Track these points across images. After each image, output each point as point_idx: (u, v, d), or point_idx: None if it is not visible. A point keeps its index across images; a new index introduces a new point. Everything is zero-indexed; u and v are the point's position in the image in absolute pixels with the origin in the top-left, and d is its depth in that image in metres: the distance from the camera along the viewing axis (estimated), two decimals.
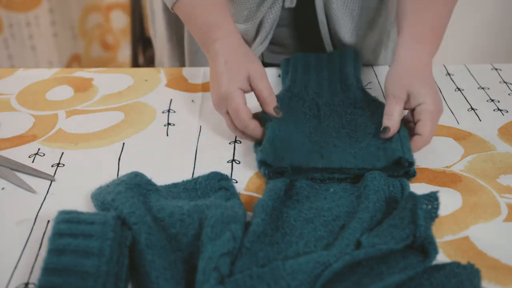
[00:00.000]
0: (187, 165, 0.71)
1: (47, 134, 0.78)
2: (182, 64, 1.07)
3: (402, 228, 0.54)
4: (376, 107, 0.78)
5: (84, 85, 0.92)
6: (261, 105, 0.74)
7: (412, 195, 0.56)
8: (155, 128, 0.80)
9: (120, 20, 2.49)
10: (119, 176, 0.68)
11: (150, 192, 0.61)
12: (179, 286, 0.51)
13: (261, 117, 0.73)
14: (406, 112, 0.75)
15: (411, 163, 0.66)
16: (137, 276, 0.53)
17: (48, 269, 0.49)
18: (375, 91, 0.88)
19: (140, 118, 0.82)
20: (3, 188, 0.67)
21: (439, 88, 0.91)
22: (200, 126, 0.80)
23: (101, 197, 0.59)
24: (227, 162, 0.72)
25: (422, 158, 0.71)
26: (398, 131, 0.70)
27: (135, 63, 2.33)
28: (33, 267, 0.55)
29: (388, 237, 0.54)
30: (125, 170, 0.68)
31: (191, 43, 1.01)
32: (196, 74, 0.96)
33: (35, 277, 0.53)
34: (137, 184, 0.61)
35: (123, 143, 0.76)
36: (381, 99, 0.82)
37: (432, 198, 0.56)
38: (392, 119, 0.71)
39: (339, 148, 0.71)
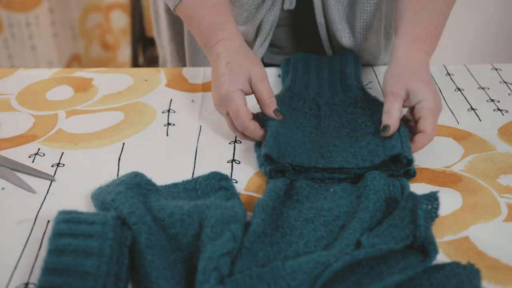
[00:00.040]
0: (187, 165, 0.71)
1: (47, 134, 0.78)
2: (185, 64, 1.07)
3: (402, 228, 0.54)
4: (376, 107, 0.78)
5: (84, 85, 0.92)
6: (261, 107, 0.74)
7: (412, 195, 0.56)
8: (155, 128, 0.80)
9: (120, 20, 2.49)
10: (119, 176, 0.68)
11: (150, 192, 0.61)
12: (179, 286, 0.51)
13: (260, 118, 0.73)
14: (405, 111, 0.75)
15: (410, 161, 0.66)
16: (137, 276, 0.53)
17: (48, 269, 0.49)
18: (375, 91, 0.88)
19: (140, 118, 0.82)
20: (3, 188, 0.67)
21: (439, 88, 0.91)
22: (200, 126, 0.80)
23: (101, 197, 0.59)
24: (227, 162, 0.72)
25: (422, 158, 0.71)
26: (398, 130, 0.70)
27: (135, 63, 2.33)
28: (33, 267, 0.55)
29: (388, 237, 0.54)
30: (125, 170, 0.68)
31: (191, 44, 1.01)
32: (196, 74, 0.96)
33: (35, 277, 0.53)
34: (137, 184, 0.61)
35: (123, 143, 0.76)
36: (381, 99, 0.82)
37: (432, 198, 0.56)
38: (391, 117, 0.71)
39: (339, 148, 0.71)
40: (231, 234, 0.52)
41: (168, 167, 0.71)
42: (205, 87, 0.91)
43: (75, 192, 0.65)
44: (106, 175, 0.68)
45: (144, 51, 2.40)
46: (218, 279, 0.48)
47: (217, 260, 0.49)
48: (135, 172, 0.63)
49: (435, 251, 0.53)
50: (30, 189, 0.66)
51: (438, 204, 0.56)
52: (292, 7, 0.90)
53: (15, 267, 0.55)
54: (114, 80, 0.94)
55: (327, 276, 0.49)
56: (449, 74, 0.96)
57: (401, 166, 0.67)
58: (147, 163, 0.71)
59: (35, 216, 0.62)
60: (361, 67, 0.95)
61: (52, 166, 0.71)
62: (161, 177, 0.66)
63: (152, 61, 2.34)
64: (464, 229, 0.60)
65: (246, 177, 0.69)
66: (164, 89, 0.91)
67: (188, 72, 0.97)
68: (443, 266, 0.52)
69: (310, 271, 0.49)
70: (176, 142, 0.77)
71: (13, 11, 2.18)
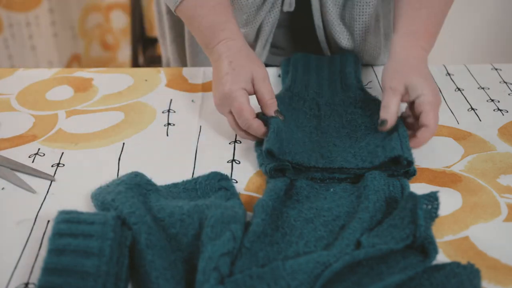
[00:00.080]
0: (187, 165, 0.71)
1: (47, 134, 0.78)
2: (186, 65, 1.07)
3: (402, 228, 0.54)
4: (376, 107, 0.78)
5: (84, 85, 0.92)
6: (262, 107, 0.74)
7: (412, 195, 0.56)
8: (155, 128, 0.80)
9: (120, 20, 2.49)
10: (119, 176, 0.68)
11: (150, 192, 0.61)
12: (179, 286, 0.51)
13: (260, 118, 0.73)
14: (404, 109, 0.76)
15: (410, 162, 0.66)
16: (137, 276, 0.53)
17: (48, 269, 0.49)
18: (375, 91, 0.88)
19: (140, 118, 0.82)
20: (3, 188, 0.67)
21: (439, 89, 0.91)
22: (200, 126, 0.80)
23: (101, 197, 0.59)
24: (227, 162, 0.72)
25: (422, 158, 0.71)
26: (398, 130, 0.70)
27: (135, 63, 2.34)
28: (33, 267, 0.55)
29: (388, 237, 0.54)
30: (125, 170, 0.68)
31: (192, 45, 1.01)
32: (196, 74, 0.96)
33: (35, 277, 0.53)
34: (137, 184, 0.61)
35: (123, 143, 0.76)
36: (381, 98, 0.82)
37: (432, 198, 0.56)
38: (389, 111, 0.71)
39: (339, 148, 0.71)
40: (231, 234, 0.52)
41: (168, 167, 0.71)
42: (205, 87, 0.91)
43: (75, 192, 0.65)
44: (106, 175, 0.68)
45: (144, 51, 2.40)
46: (218, 279, 0.48)
47: (217, 260, 0.49)
48: (135, 172, 0.63)
49: (435, 251, 0.53)
50: (30, 189, 0.66)
51: (438, 204, 0.56)
52: (292, 9, 0.91)
53: (15, 267, 0.55)
54: (114, 80, 0.94)
55: (327, 276, 0.49)
56: (449, 74, 0.96)
57: (401, 167, 0.67)
58: (147, 163, 0.71)
59: (35, 216, 0.62)
60: (361, 67, 0.95)
61: (52, 166, 0.71)
62: (161, 177, 0.66)
63: (152, 61, 2.35)
64: (464, 229, 0.60)
65: (246, 177, 0.69)
66: (164, 89, 0.91)
67: (188, 72, 0.97)
68: (443, 266, 0.52)
69: (310, 271, 0.49)
70: (176, 142, 0.77)
71: (13, 11, 2.18)
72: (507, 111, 0.84)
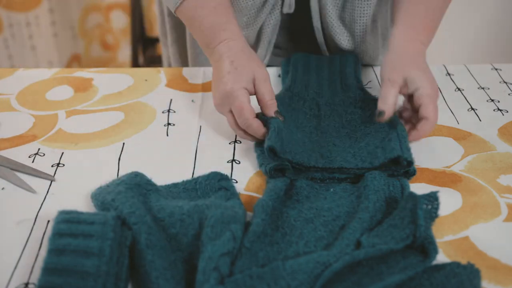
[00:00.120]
0: (187, 165, 0.71)
1: (47, 134, 0.78)
2: (187, 66, 1.07)
3: (402, 228, 0.54)
4: (376, 107, 0.78)
5: (84, 85, 0.92)
6: (262, 108, 0.74)
7: (412, 195, 0.56)
8: (155, 128, 0.80)
9: (120, 20, 2.49)
10: (119, 176, 0.68)
11: (150, 192, 0.61)
12: (179, 286, 0.51)
13: (260, 118, 0.73)
14: (401, 103, 0.76)
15: (410, 163, 0.66)
16: (137, 276, 0.53)
17: (48, 269, 0.49)
18: (375, 91, 0.88)
19: (140, 118, 0.82)
20: (3, 188, 0.67)
21: (439, 88, 0.90)
22: (200, 126, 0.80)
23: (101, 197, 0.59)
24: (227, 162, 0.72)
25: (422, 158, 0.71)
26: (397, 131, 0.70)
27: (135, 63, 2.34)
28: (33, 267, 0.55)
29: (388, 237, 0.54)
30: (125, 170, 0.68)
31: (193, 46, 1.01)
32: (196, 74, 0.96)
33: (35, 277, 0.53)
34: (137, 184, 0.61)
35: (123, 143, 0.76)
36: None
37: (432, 198, 0.56)
38: (387, 103, 0.72)
39: (339, 148, 0.71)
40: (231, 234, 0.52)
41: (168, 167, 0.71)
42: (205, 87, 0.91)
43: (75, 192, 0.65)
44: (106, 175, 0.68)
45: (144, 51, 2.40)
46: (218, 279, 0.48)
47: (217, 260, 0.49)
48: (135, 172, 0.63)
49: (435, 251, 0.53)
50: (30, 189, 0.66)
51: (438, 204, 0.56)
52: (291, 10, 0.91)
53: (15, 267, 0.55)
54: (114, 80, 0.94)
55: (327, 276, 0.49)
56: (449, 74, 0.96)
57: (401, 167, 0.67)
58: (147, 163, 0.71)
59: (35, 216, 0.62)
60: (361, 67, 0.95)
61: (52, 166, 0.71)
62: (161, 177, 0.66)
63: (152, 61, 2.35)
64: (464, 229, 0.60)
65: (246, 177, 0.69)
66: (164, 89, 0.91)
67: (188, 72, 0.97)
68: (443, 266, 0.52)
69: (310, 271, 0.49)
70: (176, 142, 0.77)
71: (13, 11, 2.18)
72: (507, 111, 0.84)
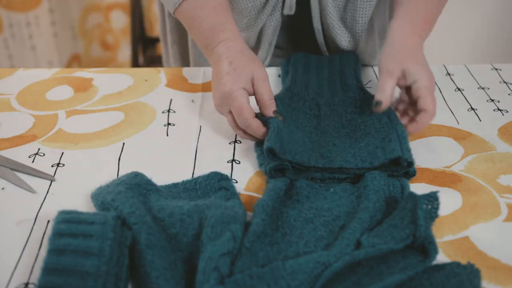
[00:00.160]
0: (187, 165, 0.71)
1: (47, 134, 0.78)
2: (187, 66, 1.07)
3: (402, 228, 0.54)
4: None
5: (84, 85, 0.92)
6: (260, 108, 0.74)
7: (412, 195, 0.56)
8: (155, 128, 0.80)
9: (120, 20, 2.49)
10: (119, 176, 0.68)
11: (150, 192, 0.61)
12: (179, 286, 0.51)
13: (260, 118, 0.73)
14: (397, 97, 0.77)
15: (411, 163, 0.66)
16: (137, 276, 0.53)
17: (48, 269, 0.49)
18: (374, 90, 0.88)
19: (140, 118, 0.82)
20: (3, 188, 0.67)
21: (439, 89, 0.91)
22: (200, 126, 0.80)
23: (101, 197, 0.59)
24: (227, 162, 0.72)
25: (422, 158, 0.71)
26: (397, 131, 0.71)
27: (135, 63, 2.34)
28: (33, 267, 0.55)
29: (388, 237, 0.54)
30: (125, 170, 0.68)
31: (195, 46, 1.01)
32: (196, 74, 0.96)
33: (35, 277, 0.53)
34: (137, 184, 0.61)
35: (123, 143, 0.76)
36: None
37: (432, 198, 0.56)
38: (384, 93, 0.74)
39: (339, 148, 0.71)
40: (231, 234, 0.52)
41: (168, 167, 0.71)
42: (205, 87, 0.91)
43: (75, 192, 0.65)
44: (106, 175, 0.68)
45: (144, 51, 2.40)
46: (218, 279, 0.48)
47: (217, 260, 0.49)
48: (135, 172, 0.64)
49: (435, 251, 0.53)
50: (30, 189, 0.66)
51: (438, 204, 0.56)
52: (292, 12, 0.91)
53: (15, 267, 0.55)
54: (114, 80, 0.94)
55: (327, 276, 0.49)
56: (449, 74, 0.96)
57: (401, 168, 0.67)
58: (147, 163, 0.71)
59: (35, 216, 0.62)
60: (361, 67, 0.95)
61: (52, 166, 0.71)
62: (161, 177, 0.66)
63: (152, 61, 2.35)
64: (464, 229, 0.60)
65: (246, 177, 0.69)
66: (164, 89, 0.91)
67: (188, 72, 0.97)
68: (443, 266, 0.52)
69: (310, 271, 0.49)
70: (176, 142, 0.77)
71: (13, 11, 2.18)
72: (507, 111, 0.84)
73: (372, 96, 0.82)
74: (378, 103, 0.73)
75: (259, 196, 0.65)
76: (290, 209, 0.61)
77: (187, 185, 0.65)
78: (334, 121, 0.78)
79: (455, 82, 0.93)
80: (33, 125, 0.81)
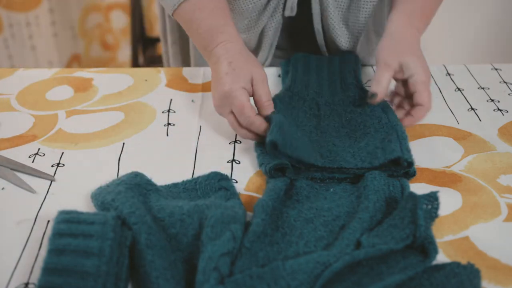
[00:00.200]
0: (187, 165, 0.71)
1: (47, 134, 0.78)
2: (187, 66, 1.07)
3: (402, 228, 0.54)
4: (376, 105, 0.78)
5: (84, 85, 0.92)
6: (258, 109, 0.74)
7: (412, 195, 0.56)
8: (155, 128, 0.80)
9: (120, 20, 2.49)
10: (119, 176, 0.68)
11: (150, 192, 0.61)
12: (179, 286, 0.51)
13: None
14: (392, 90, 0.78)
15: (411, 163, 0.66)
16: (137, 276, 0.53)
17: (48, 269, 0.49)
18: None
19: (140, 118, 0.82)
20: (3, 188, 0.67)
21: (439, 88, 0.91)
22: (200, 126, 0.80)
23: (101, 197, 0.59)
24: (227, 162, 0.72)
25: (422, 158, 0.71)
26: (397, 132, 0.71)
27: (135, 63, 2.34)
28: (33, 267, 0.55)
29: (388, 237, 0.54)
30: (125, 170, 0.68)
31: (195, 46, 1.01)
32: (196, 74, 0.96)
33: (35, 277, 0.53)
34: (137, 184, 0.61)
35: (123, 143, 0.76)
36: None
37: (432, 198, 0.56)
38: (380, 85, 0.75)
39: (338, 148, 0.71)
40: (231, 234, 0.52)
41: (168, 167, 0.71)
42: (205, 87, 0.91)
43: (75, 192, 0.65)
44: (106, 175, 0.68)
45: (144, 51, 2.40)
46: (218, 279, 0.48)
47: (217, 260, 0.49)
48: (135, 172, 0.64)
49: (435, 251, 0.53)
50: (30, 189, 0.66)
51: (438, 204, 0.56)
52: (293, 13, 0.91)
53: (15, 267, 0.55)
54: (114, 80, 0.94)
55: (327, 276, 0.49)
56: (449, 74, 0.96)
57: (401, 168, 0.67)
58: (147, 163, 0.71)
59: (35, 216, 0.62)
60: (361, 67, 0.95)
61: (52, 166, 0.71)
62: (161, 177, 0.66)
63: (152, 61, 2.35)
64: (464, 229, 0.60)
65: (246, 177, 0.69)
66: (164, 89, 0.91)
67: (188, 72, 0.97)
68: (443, 266, 0.52)
69: (310, 271, 0.49)
70: (176, 142, 0.77)
71: (13, 11, 2.18)
72: (507, 111, 0.84)
73: None
74: (374, 95, 0.75)
75: (259, 196, 0.65)
76: (290, 209, 0.61)
77: (187, 185, 0.65)
78: (334, 120, 0.78)
79: (455, 82, 0.93)
80: (33, 125, 0.81)
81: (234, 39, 0.77)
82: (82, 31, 2.44)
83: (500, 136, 0.77)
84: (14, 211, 0.63)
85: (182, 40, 1.06)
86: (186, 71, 0.97)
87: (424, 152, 0.72)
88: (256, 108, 0.74)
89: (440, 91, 0.90)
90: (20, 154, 0.73)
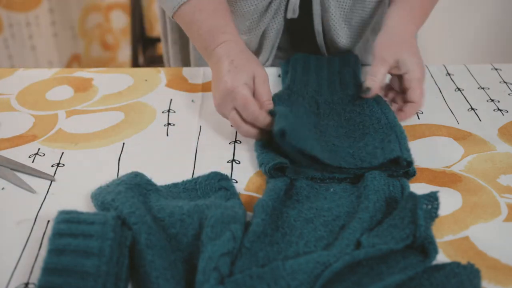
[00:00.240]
0: (187, 165, 0.71)
1: (47, 134, 0.78)
2: (188, 66, 1.07)
3: (402, 228, 0.54)
4: (376, 104, 0.78)
5: (84, 85, 0.92)
6: None
7: (412, 195, 0.56)
8: (155, 128, 0.80)
9: (120, 20, 2.49)
10: (119, 176, 0.68)
11: (150, 192, 0.61)
12: (179, 286, 0.51)
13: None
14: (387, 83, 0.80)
15: (410, 163, 0.66)
16: (137, 276, 0.53)
17: (48, 269, 0.49)
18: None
19: (140, 118, 0.82)
20: (3, 188, 0.67)
21: (439, 88, 0.91)
22: (200, 126, 0.80)
23: (101, 197, 0.59)
24: (227, 162, 0.72)
25: (422, 158, 0.71)
26: (396, 132, 0.71)
27: (135, 63, 2.34)
28: (33, 267, 0.55)
29: (388, 237, 0.54)
30: (125, 170, 0.68)
31: (195, 47, 1.01)
32: (196, 74, 0.96)
33: (35, 277, 0.53)
34: (137, 184, 0.61)
35: (123, 143, 0.76)
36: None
37: (432, 198, 0.56)
38: (375, 80, 0.76)
39: (338, 148, 0.71)
40: (231, 234, 0.52)
41: (168, 167, 0.71)
42: (205, 87, 0.91)
43: (75, 192, 0.65)
44: (106, 175, 0.68)
45: (144, 51, 2.40)
46: (218, 279, 0.48)
47: (217, 260, 0.49)
48: (135, 172, 0.64)
49: (435, 251, 0.53)
50: (30, 189, 0.66)
51: (438, 204, 0.56)
52: (296, 15, 0.90)
53: (15, 267, 0.55)
54: (114, 80, 0.94)
55: (327, 276, 0.49)
56: (449, 74, 0.96)
57: (401, 167, 0.67)
58: (147, 163, 0.71)
59: (35, 216, 0.62)
60: (361, 67, 0.95)
61: (52, 166, 0.71)
62: (161, 177, 0.66)
63: (152, 61, 2.35)
64: (464, 229, 0.60)
65: (246, 177, 0.69)
66: (164, 89, 0.91)
67: (188, 72, 0.97)
68: (443, 266, 0.52)
69: (310, 271, 0.49)
70: (176, 142, 0.77)
71: (13, 11, 2.18)
72: (507, 111, 0.84)
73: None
74: (368, 88, 0.76)
75: (259, 196, 0.65)
76: (290, 209, 0.61)
77: (187, 185, 0.65)
78: (333, 120, 0.78)
79: (455, 82, 0.93)
80: (33, 125, 0.81)
81: (236, 39, 0.77)
82: (82, 31, 2.44)
83: (500, 136, 0.77)
84: (14, 211, 0.63)
85: (183, 40, 1.06)
86: (186, 71, 0.97)
87: (424, 152, 0.72)
88: None
89: (440, 91, 0.90)
90: (20, 154, 0.73)
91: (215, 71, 0.76)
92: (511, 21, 2.00)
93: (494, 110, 0.84)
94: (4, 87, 0.92)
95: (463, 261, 0.53)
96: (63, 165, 0.71)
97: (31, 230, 0.60)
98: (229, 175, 0.68)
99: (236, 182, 0.68)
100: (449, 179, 0.68)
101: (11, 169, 0.70)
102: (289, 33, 0.99)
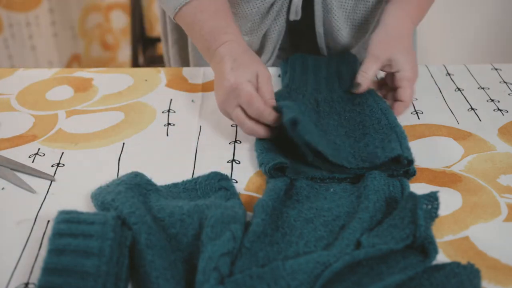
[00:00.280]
0: (187, 165, 0.71)
1: (47, 134, 0.78)
2: (188, 66, 1.07)
3: (402, 228, 0.54)
4: (375, 105, 0.78)
5: (84, 85, 0.92)
6: None
7: (412, 195, 0.56)
8: (155, 128, 0.80)
9: (120, 20, 2.49)
10: (119, 176, 0.68)
11: (150, 192, 0.61)
12: (179, 286, 0.51)
13: None
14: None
15: (411, 161, 0.66)
16: (137, 276, 0.53)
17: (48, 269, 0.49)
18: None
19: (140, 118, 0.82)
20: (3, 188, 0.67)
21: (439, 88, 0.91)
22: (200, 126, 0.80)
23: (101, 197, 0.59)
24: (227, 162, 0.72)
25: (422, 158, 0.71)
26: (396, 132, 0.71)
27: (135, 63, 2.34)
28: (33, 267, 0.55)
29: (388, 237, 0.54)
30: (125, 170, 0.68)
31: (194, 48, 1.01)
32: (196, 74, 0.96)
33: (35, 277, 0.53)
34: (137, 184, 0.61)
35: (123, 143, 0.76)
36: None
37: (432, 198, 0.56)
38: (365, 76, 0.78)
39: (340, 147, 0.71)
40: (231, 234, 0.52)
41: (168, 167, 0.71)
42: (205, 87, 0.91)
43: (75, 192, 0.65)
44: (106, 175, 0.68)
45: (144, 51, 2.40)
46: (218, 279, 0.48)
47: (217, 260, 0.49)
48: (135, 172, 0.64)
49: (435, 251, 0.53)
50: (30, 189, 0.66)
51: (438, 204, 0.56)
52: (298, 17, 0.90)
53: (15, 267, 0.55)
54: (114, 80, 0.94)
55: (327, 276, 0.49)
56: (449, 74, 0.96)
57: (401, 167, 0.67)
58: (147, 163, 0.71)
59: (35, 216, 0.62)
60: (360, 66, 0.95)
61: (52, 166, 0.71)
62: (161, 177, 0.66)
63: (152, 61, 2.35)
64: (464, 229, 0.60)
65: (246, 177, 0.69)
66: (164, 89, 0.91)
67: (188, 72, 0.97)
68: (443, 266, 0.52)
69: (310, 271, 0.49)
70: (176, 142, 0.77)
71: (13, 11, 2.18)
72: (507, 111, 0.84)
73: (371, 93, 0.82)
74: (358, 84, 0.77)
75: (259, 196, 0.65)
76: (290, 209, 0.61)
77: (187, 185, 0.65)
78: (333, 119, 0.78)
79: (455, 82, 0.93)
80: (33, 125, 0.81)
81: (238, 39, 0.77)
82: (82, 31, 2.44)
83: (500, 136, 0.77)
84: (14, 211, 0.63)
85: (183, 40, 1.06)
86: (186, 71, 0.97)
87: (424, 152, 0.72)
88: None
89: (440, 91, 0.90)
90: (20, 154, 0.73)
91: (217, 71, 0.75)
92: (511, 21, 2.00)
93: (494, 110, 0.84)
94: (4, 87, 0.92)
95: (463, 261, 0.53)
96: (63, 165, 0.71)
97: (31, 230, 0.60)
98: (229, 175, 0.68)
99: (236, 182, 0.68)
100: (449, 179, 0.68)
101: (11, 169, 0.70)
102: (290, 34, 0.99)
